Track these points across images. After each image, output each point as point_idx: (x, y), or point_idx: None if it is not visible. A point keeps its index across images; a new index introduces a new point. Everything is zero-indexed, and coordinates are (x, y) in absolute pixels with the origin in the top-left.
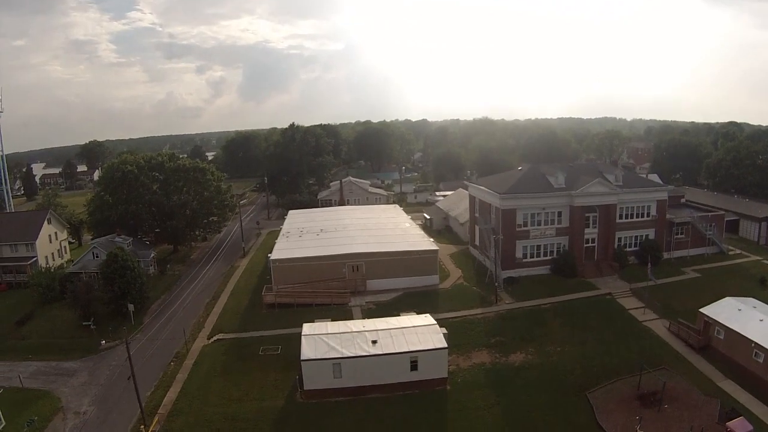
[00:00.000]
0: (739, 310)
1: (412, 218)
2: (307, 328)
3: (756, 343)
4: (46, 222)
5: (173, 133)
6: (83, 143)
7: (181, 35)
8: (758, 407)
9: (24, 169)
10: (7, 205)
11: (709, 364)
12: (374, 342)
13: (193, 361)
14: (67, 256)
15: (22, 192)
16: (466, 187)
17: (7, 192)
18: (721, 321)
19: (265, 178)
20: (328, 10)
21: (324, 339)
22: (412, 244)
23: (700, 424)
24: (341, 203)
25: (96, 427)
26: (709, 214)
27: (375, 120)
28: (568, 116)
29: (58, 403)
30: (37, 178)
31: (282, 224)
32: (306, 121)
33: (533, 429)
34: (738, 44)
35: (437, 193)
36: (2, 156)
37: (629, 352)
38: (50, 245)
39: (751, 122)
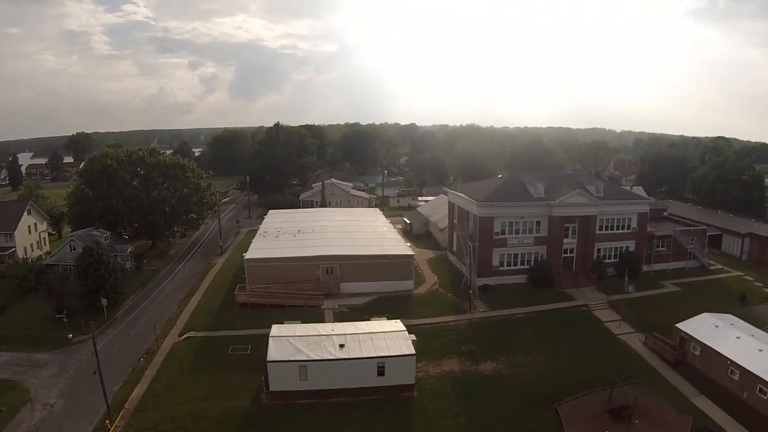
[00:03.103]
0: (717, 326)
1: (392, 222)
2: (275, 329)
3: (732, 361)
4: (26, 213)
5: (163, 128)
6: (72, 134)
7: (175, 30)
8: (732, 425)
9: (10, 159)
10: None
11: (684, 380)
12: (342, 346)
13: (162, 358)
14: (46, 248)
15: (8, 181)
16: (447, 193)
17: None
18: (697, 337)
19: (247, 177)
20: (322, 10)
21: (291, 341)
22: (389, 248)
23: None
24: (322, 205)
25: (62, 419)
26: (692, 228)
27: (364, 123)
28: (557, 125)
29: (27, 395)
30: (23, 168)
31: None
32: (296, 121)
33: None
34: (730, 61)
35: (420, 198)
36: None
37: (602, 365)
38: (29, 236)
39: (740, 137)
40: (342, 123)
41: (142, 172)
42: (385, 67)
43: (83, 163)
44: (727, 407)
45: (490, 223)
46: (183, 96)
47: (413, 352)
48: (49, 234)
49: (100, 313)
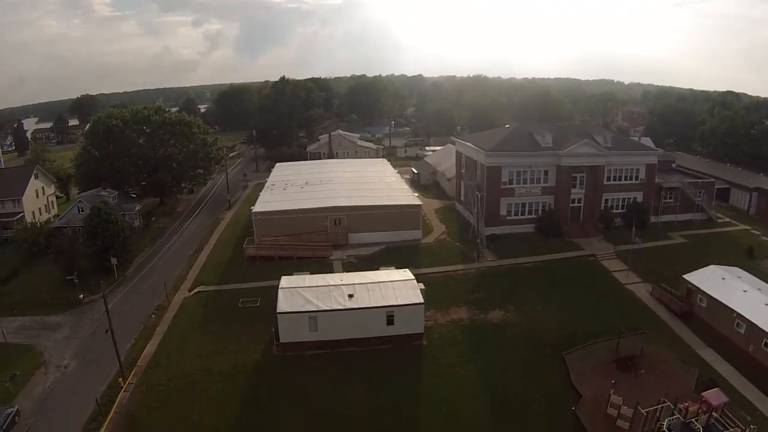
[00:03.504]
0: (723, 279)
1: (400, 173)
2: (284, 281)
3: (738, 314)
4: (33, 177)
5: (168, 87)
6: (76, 97)
7: None
8: (737, 379)
9: (15, 125)
10: None
11: (690, 332)
12: (351, 296)
13: (173, 313)
14: (54, 211)
15: (14, 148)
16: (454, 143)
17: None
18: (704, 289)
19: (254, 131)
20: None
21: (301, 292)
22: (396, 198)
23: (676, 392)
24: (330, 156)
25: (76, 380)
26: (700, 180)
27: (371, 75)
28: (565, 76)
29: (41, 358)
30: (29, 134)
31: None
32: (302, 75)
33: (506, 387)
34: (741, 17)
35: (427, 148)
36: None
37: (609, 315)
38: (37, 200)
39: (750, 93)
40: (348, 75)
41: (147, 131)
42: (392, 18)
43: (89, 124)
44: (732, 360)
45: (497, 172)
46: (187, 54)
47: (422, 300)
48: (57, 197)
49: (110, 273)
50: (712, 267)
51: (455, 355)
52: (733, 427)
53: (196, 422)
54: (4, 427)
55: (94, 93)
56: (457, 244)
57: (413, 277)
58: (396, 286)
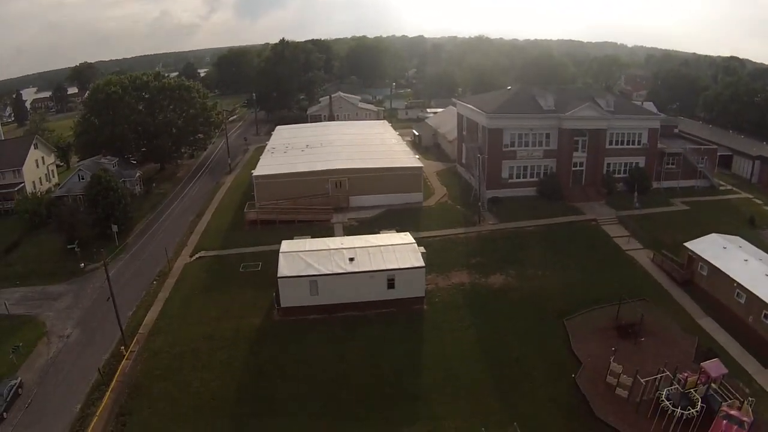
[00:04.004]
0: (725, 248)
1: (401, 135)
2: (285, 245)
3: (738, 284)
4: (32, 147)
5: (168, 51)
6: (75, 66)
7: None
8: (735, 349)
9: (14, 96)
10: None
11: (691, 300)
12: (351, 259)
13: (174, 279)
14: (54, 180)
15: (13, 118)
16: (456, 105)
17: None
18: (705, 257)
19: (254, 95)
20: None
21: (301, 256)
22: (397, 160)
23: (675, 362)
24: (330, 119)
25: (79, 349)
26: (702, 147)
27: (371, 36)
28: (567, 39)
29: (43, 328)
30: (28, 104)
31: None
32: (302, 37)
33: (507, 352)
34: None
35: (428, 110)
36: None
37: (610, 281)
38: (37, 170)
39: (753, 59)
40: (349, 37)
41: (147, 96)
42: None
43: (88, 92)
44: (732, 330)
45: (499, 135)
46: (187, 17)
47: (423, 264)
48: (58, 166)
49: (111, 240)
50: (713, 235)
51: (456, 320)
52: (731, 399)
53: (199, 389)
54: (7, 399)
55: (93, 60)
56: (459, 207)
57: (414, 241)
58: (397, 250)
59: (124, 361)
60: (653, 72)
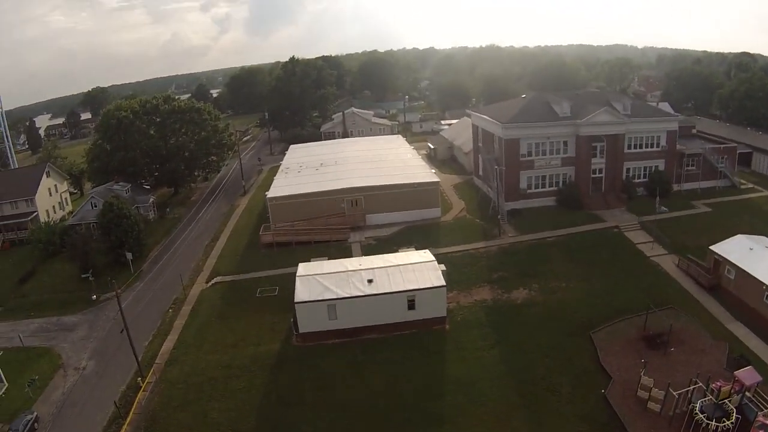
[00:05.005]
0: (751, 249)
1: (415, 148)
2: (302, 268)
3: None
4: (44, 175)
5: (180, 73)
6: (88, 90)
7: None
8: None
9: (27, 123)
10: (11, 161)
11: (719, 305)
12: (370, 281)
13: (191, 306)
14: (68, 208)
15: (27, 146)
16: (470, 116)
17: (9, 148)
18: (732, 260)
19: (266, 114)
20: None
21: (319, 279)
22: (413, 176)
23: (707, 371)
24: (344, 135)
25: (95, 381)
26: (721, 146)
27: (382, 50)
28: (577, 43)
29: (59, 360)
30: (41, 131)
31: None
32: (314, 53)
33: (533, 370)
34: None
35: (442, 122)
36: (1, 113)
37: (636, 290)
38: (50, 198)
39: (765, 54)
40: (360, 51)
41: (158, 120)
42: None
43: (99, 118)
44: (763, 334)
45: (515, 145)
46: (197, 39)
47: (443, 283)
48: (71, 193)
49: (126, 268)
50: (739, 237)
51: (480, 339)
52: (767, 408)
53: (217, 419)
54: None
55: (106, 85)
56: (477, 221)
57: (433, 258)
58: (416, 269)
59: (140, 392)
60: (666, 72)
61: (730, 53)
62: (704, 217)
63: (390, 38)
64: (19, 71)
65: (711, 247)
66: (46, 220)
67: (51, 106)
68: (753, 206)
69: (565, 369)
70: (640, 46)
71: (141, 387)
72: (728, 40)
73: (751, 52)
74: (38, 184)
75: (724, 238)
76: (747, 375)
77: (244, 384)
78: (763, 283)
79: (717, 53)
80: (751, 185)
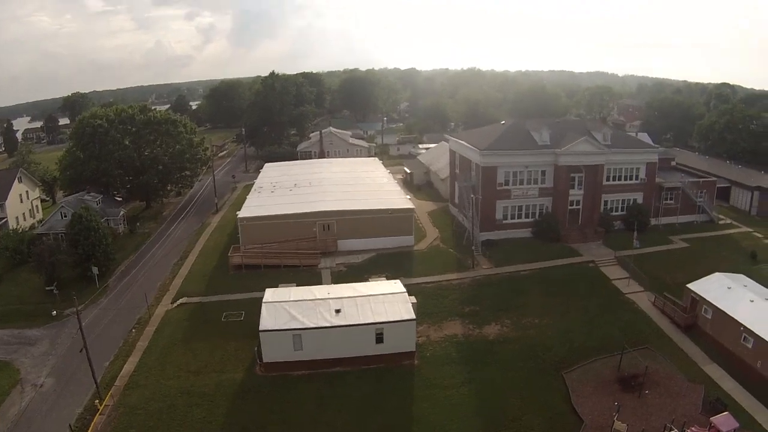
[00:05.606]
0: (729, 288)
1: (392, 172)
2: (269, 294)
3: (745, 327)
4: (16, 181)
5: (161, 83)
6: (67, 95)
7: None
8: (745, 398)
9: (5, 125)
10: None
11: (695, 346)
12: (338, 311)
13: (154, 328)
14: (39, 215)
15: (3, 149)
16: (448, 141)
17: None
18: (709, 299)
19: (243, 129)
20: None
21: (285, 307)
22: (388, 201)
23: (683, 414)
24: (321, 155)
25: (53, 400)
26: (701, 179)
27: (364, 69)
28: (559, 69)
29: (17, 375)
30: (19, 134)
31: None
32: (296, 69)
33: (503, 412)
34: (732, 3)
35: (420, 146)
36: None
37: (611, 328)
38: (21, 205)
39: (744, 85)
40: (341, 69)
41: (133, 130)
42: (386, 10)
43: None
44: (739, 377)
45: (493, 172)
46: (180, 48)
47: (413, 316)
48: (43, 200)
49: (91, 282)
50: (716, 275)
51: (449, 376)
52: None
53: None
54: None
55: (87, 90)
56: (451, 251)
57: (404, 290)
58: (386, 300)
59: (97, 416)
60: (646, 101)
61: (710, 83)
62: (681, 253)
63: (372, 57)
64: (1, 72)
65: (688, 285)
66: (16, 227)
67: (31, 109)
68: (731, 242)
69: (537, 410)
70: (620, 74)
71: (98, 410)
72: (712, 67)
73: (731, 83)
74: (9, 190)
75: (702, 275)
76: (723, 421)
77: (205, 414)
78: (741, 324)
79: (697, 83)
80: (729, 221)
